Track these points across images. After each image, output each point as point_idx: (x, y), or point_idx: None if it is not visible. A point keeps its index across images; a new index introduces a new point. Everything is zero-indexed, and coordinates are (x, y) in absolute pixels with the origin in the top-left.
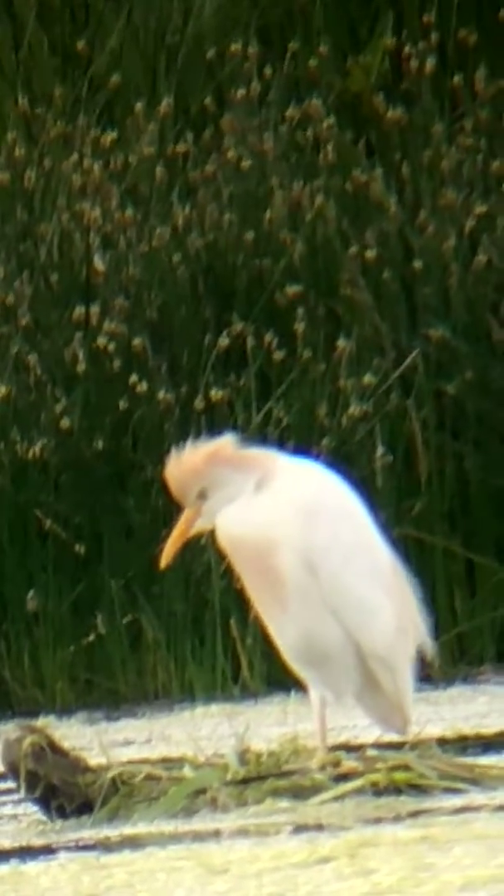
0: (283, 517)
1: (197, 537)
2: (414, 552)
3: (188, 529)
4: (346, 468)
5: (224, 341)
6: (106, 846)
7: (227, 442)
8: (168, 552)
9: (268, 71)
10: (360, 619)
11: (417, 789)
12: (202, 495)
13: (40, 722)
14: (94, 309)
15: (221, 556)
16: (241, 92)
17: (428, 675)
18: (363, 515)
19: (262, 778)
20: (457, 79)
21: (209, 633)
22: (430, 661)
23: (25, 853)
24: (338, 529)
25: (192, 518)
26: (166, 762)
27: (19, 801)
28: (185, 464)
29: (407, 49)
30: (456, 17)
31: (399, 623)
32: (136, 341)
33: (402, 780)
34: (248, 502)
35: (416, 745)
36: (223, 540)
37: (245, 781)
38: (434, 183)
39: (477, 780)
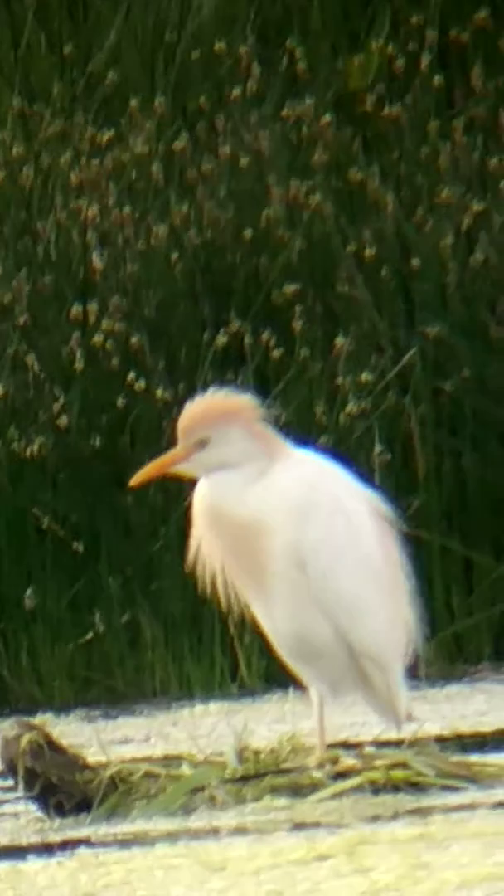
0: (278, 506)
1: (173, 476)
2: (411, 550)
3: (170, 465)
4: (343, 466)
5: (222, 339)
6: (104, 844)
7: (253, 407)
8: (141, 477)
9: (265, 69)
10: (350, 619)
11: (415, 787)
12: (201, 444)
13: (38, 719)
14: (92, 307)
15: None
16: (237, 90)
17: (423, 674)
18: (361, 513)
19: (260, 776)
20: (453, 76)
21: (207, 631)
22: (426, 660)
23: (23, 851)
24: (330, 528)
25: (179, 458)
26: (165, 760)
27: (17, 799)
28: (203, 407)
29: (403, 46)
30: (452, 15)
31: (392, 622)
32: (134, 339)
33: (400, 777)
34: (247, 484)
35: (414, 743)
36: (209, 511)
37: (243, 779)
38: (431, 180)
39: (475, 777)
